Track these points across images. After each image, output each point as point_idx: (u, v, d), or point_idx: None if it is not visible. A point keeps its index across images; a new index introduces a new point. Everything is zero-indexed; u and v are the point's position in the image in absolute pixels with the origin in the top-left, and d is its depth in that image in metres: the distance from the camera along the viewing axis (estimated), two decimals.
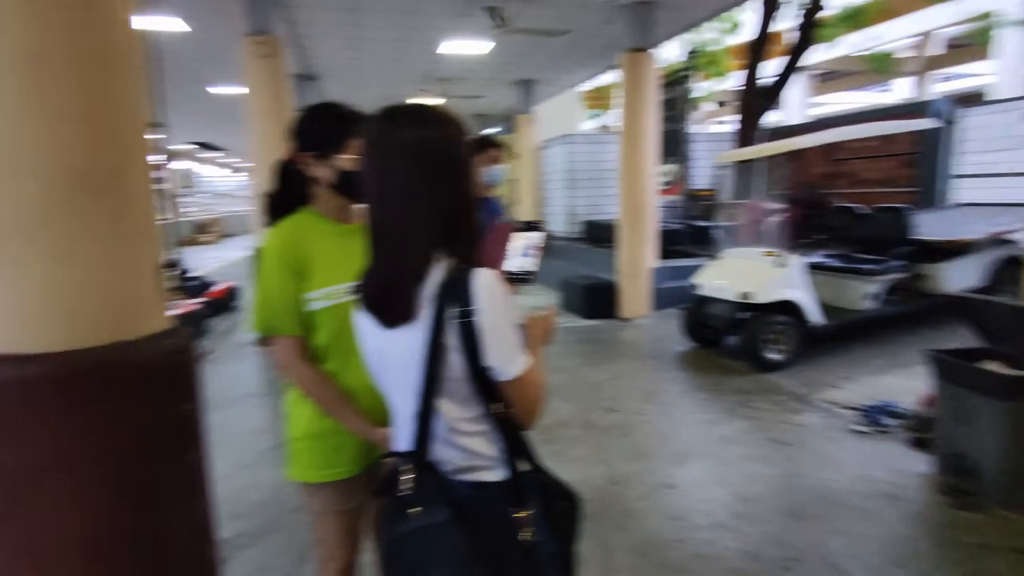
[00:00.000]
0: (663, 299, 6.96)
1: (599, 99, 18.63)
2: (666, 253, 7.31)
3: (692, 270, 5.72)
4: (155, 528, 1.69)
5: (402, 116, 1.06)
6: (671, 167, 9.67)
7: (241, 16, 5.80)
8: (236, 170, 33.22)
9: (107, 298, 1.59)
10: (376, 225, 1.07)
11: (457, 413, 1.05)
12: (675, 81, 9.83)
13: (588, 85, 14.46)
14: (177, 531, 1.76)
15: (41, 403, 1.50)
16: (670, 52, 11.20)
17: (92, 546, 1.58)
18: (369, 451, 1.45)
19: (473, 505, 1.04)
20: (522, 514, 1.04)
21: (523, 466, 1.08)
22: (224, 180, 34.40)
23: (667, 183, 9.57)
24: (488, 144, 2.89)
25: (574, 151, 10.94)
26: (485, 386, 1.03)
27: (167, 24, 6.77)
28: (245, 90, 5.98)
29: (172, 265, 6.68)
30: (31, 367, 1.49)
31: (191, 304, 6.55)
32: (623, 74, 6.77)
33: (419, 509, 1.03)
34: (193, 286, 7.55)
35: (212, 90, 10.53)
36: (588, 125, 20.68)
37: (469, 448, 1.06)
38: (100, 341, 1.55)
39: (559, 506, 1.12)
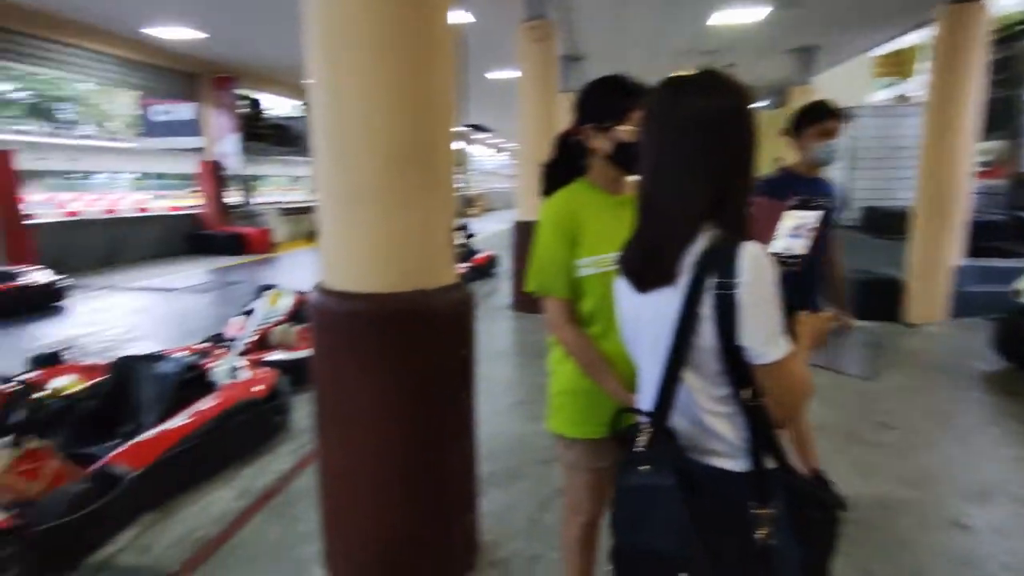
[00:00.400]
0: (966, 305, 5.74)
1: (896, 65, 15.84)
2: (975, 250, 5.98)
3: (1013, 273, 4.60)
4: (437, 450, 1.97)
5: (685, 85, 1.05)
6: (995, 144, 7.82)
7: (519, 3, 6.24)
8: (500, 150, 36.23)
9: (414, 253, 1.88)
10: (647, 193, 1.08)
11: (702, 387, 1.03)
12: (1012, 36, 7.86)
13: (883, 49, 12.36)
14: (451, 457, 2.03)
15: (364, 332, 1.85)
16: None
17: (397, 450, 1.91)
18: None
19: (705, 484, 1.01)
20: (761, 511, 0.98)
21: (769, 463, 1.01)
22: (489, 159, 37.79)
23: (988, 164, 7.77)
24: (824, 113, 2.28)
25: (859, 126, 9.51)
26: (736, 367, 0.98)
27: (456, 16, 7.62)
28: (517, 74, 6.44)
29: (462, 228, 7.62)
30: (359, 303, 1.84)
31: (460, 267, 7.43)
32: (938, 31, 5.63)
33: (648, 468, 1.04)
34: (462, 252, 8.55)
35: (489, 76, 11.58)
36: (878, 96, 17.74)
37: (709, 427, 1.03)
38: (405, 288, 1.86)
39: (810, 515, 1.03)
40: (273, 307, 4.53)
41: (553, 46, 6.29)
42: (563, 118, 1.80)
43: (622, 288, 1.15)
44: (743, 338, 0.96)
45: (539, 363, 4.90)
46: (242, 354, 3.97)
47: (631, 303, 1.13)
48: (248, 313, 4.61)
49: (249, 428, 3.09)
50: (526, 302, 6.42)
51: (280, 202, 16.15)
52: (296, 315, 4.57)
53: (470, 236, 9.18)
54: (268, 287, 4.87)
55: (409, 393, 1.88)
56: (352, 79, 1.76)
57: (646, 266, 1.07)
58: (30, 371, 3.25)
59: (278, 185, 28.84)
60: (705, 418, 1.04)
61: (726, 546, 0.98)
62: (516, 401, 3.99)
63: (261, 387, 3.25)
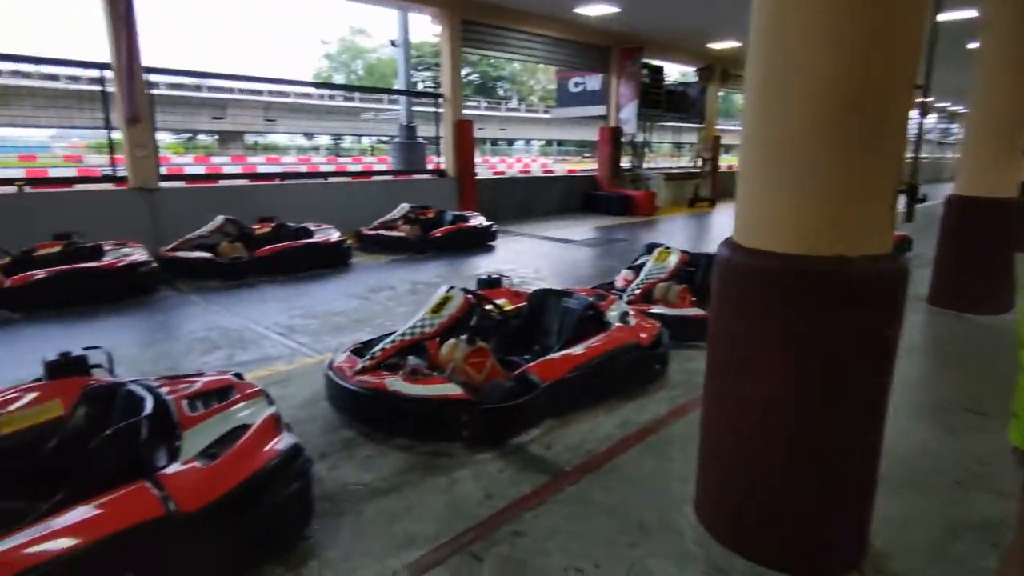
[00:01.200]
0: None
1: None
2: None
3: None
4: (835, 430, 1.84)
5: None
6: None
7: None
8: (927, 111, 29.78)
9: (843, 214, 1.73)
10: None
11: None
12: None
13: None
14: (849, 441, 1.86)
15: (773, 294, 1.81)
16: None
17: (789, 420, 1.86)
18: None
19: None
20: None
21: None
22: (912, 122, 31.52)
23: None
24: None
25: None
26: None
27: None
28: (971, 13, 5.12)
29: (910, 191, 6.67)
30: (772, 262, 1.80)
31: None
32: None
33: None
34: None
35: (941, 17, 9.48)
36: None
37: None
38: (827, 252, 1.73)
39: None
40: (660, 264, 4.78)
41: None
42: None
43: None
44: None
45: (954, 369, 3.99)
46: (628, 303, 4.33)
47: None
48: (637, 267, 4.97)
49: (633, 369, 3.38)
50: (947, 295, 5.27)
51: (665, 168, 16.70)
52: (679, 274, 4.74)
53: (920, 201, 7.71)
54: (656, 245, 5.14)
55: (814, 364, 1.78)
56: (797, 16, 1.68)
57: None
58: (479, 290, 4.20)
59: (662, 152, 29.80)
60: None
61: None
62: (924, 407, 3.37)
63: (646, 335, 3.51)
